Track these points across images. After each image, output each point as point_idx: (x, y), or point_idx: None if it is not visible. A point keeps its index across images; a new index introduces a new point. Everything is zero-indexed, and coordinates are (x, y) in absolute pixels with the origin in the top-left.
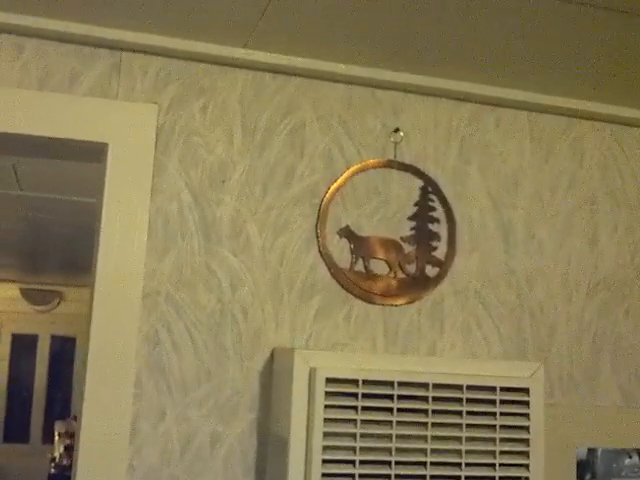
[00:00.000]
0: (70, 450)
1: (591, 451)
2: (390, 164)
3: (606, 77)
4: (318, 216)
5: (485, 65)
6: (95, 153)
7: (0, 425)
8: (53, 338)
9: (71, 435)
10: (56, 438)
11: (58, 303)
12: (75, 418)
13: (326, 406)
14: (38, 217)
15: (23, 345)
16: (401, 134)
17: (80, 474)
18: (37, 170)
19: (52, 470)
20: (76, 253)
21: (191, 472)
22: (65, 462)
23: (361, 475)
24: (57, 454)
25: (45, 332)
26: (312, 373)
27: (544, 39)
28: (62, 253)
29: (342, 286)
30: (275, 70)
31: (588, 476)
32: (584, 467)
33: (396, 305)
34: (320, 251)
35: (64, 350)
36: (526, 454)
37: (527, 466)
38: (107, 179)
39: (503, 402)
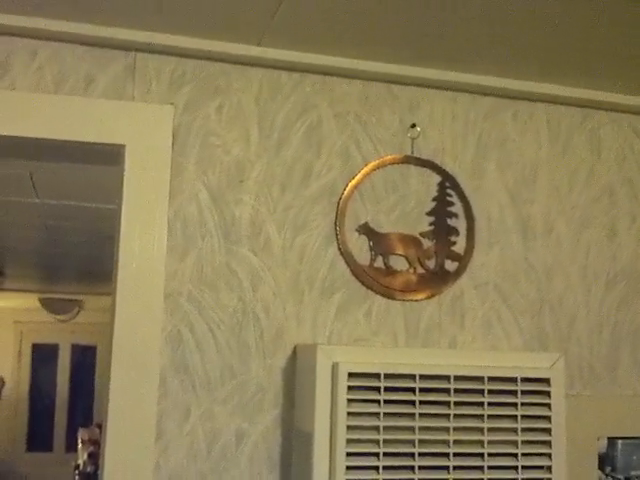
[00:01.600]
0: (94, 457)
1: (611, 444)
2: (408, 160)
3: (623, 67)
4: (337, 213)
5: (501, 58)
6: (112, 155)
7: (23, 434)
8: (74, 347)
9: (94, 442)
10: (80, 445)
11: (78, 312)
12: (98, 425)
13: (349, 400)
14: (55, 225)
15: (44, 355)
16: (418, 129)
17: (107, 473)
18: (53, 177)
19: (76, 477)
20: (94, 261)
21: (217, 469)
22: (89, 469)
23: (385, 467)
24: (81, 461)
25: (65, 341)
26: (335, 368)
27: (559, 31)
28: (80, 261)
29: (362, 283)
30: (290, 68)
31: (608, 469)
32: (604, 460)
33: (416, 300)
34: (339, 248)
35: (85, 358)
36: (548, 444)
37: (549, 455)
38: (125, 181)
39: (524, 393)
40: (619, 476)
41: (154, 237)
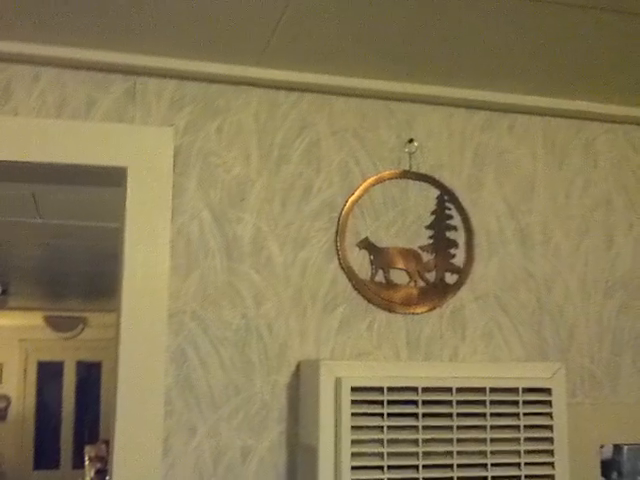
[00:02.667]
0: (101, 474)
1: (617, 450)
2: (406, 175)
3: (616, 79)
4: (337, 229)
5: (496, 72)
6: (114, 177)
7: (30, 452)
8: (79, 364)
9: (101, 459)
10: (86, 462)
11: (82, 329)
12: (104, 442)
13: (353, 414)
14: (58, 244)
15: (49, 372)
16: (415, 144)
17: None
18: (56, 197)
19: None
20: (98, 278)
21: None
22: None
23: (390, 479)
24: (88, 478)
25: (70, 358)
26: (338, 383)
27: (553, 44)
28: (84, 279)
29: (364, 297)
30: (288, 87)
31: (614, 474)
32: (610, 465)
33: (417, 313)
34: (340, 264)
35: (90, 375)
36: (551, 452)
37: (552, 464)
38: (127, 202)
39: (526, 403)
40: None
41: (157, 257)
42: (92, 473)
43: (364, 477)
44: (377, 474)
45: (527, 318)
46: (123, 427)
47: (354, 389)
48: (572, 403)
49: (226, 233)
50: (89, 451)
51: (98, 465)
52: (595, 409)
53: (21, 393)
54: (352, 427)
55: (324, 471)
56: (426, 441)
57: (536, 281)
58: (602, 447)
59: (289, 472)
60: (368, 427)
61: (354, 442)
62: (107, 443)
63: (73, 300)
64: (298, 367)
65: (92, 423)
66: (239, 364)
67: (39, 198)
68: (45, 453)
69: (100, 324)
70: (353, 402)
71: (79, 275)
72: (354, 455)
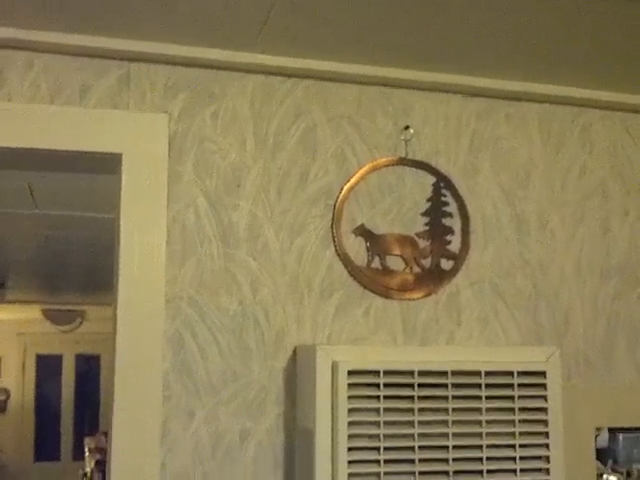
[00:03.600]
0: (101, 465)
1: (613, 438)
2: (402, 161)
3: (612, 65)
4: (333, 216)
5: (493, 60)
6: (109, 164)
7: (30, 445)
8: (77, 357)
9: (101, 450)
10: (86, 454)
11: (80, 322)
12: (104, 433)
13: (349, 397)
14: (56, 235)
15: (48, 365)
16: (411, 131)
17: (114, 475)
18: (52, 188)
19: None
20: (96, 271)
21: (222, 469)
22: (96, 477)
23: (386, 461)
24: (88, 469)
25: (69, 352)
26: (334, 367)
27: (549, 31)
28: (82, 272)
29: (360, 283)
30: (284, 73)
31: (610, 462)
32: (606, 453)
33: (413, 299)
34: (337, 250)
35: (89, 368)
36: (545, 434)
37: (547, 446)
38: (123, 189)
39: (521, 386)
40: (621, 469)
41: (153, 244)
42: (92, 464)
43: (360, 458)
44: (373, 455)
45: (523, 303)
46: (121, 412)
47: (351, 372)
48: (567, 386)
49: (222, 220)
50: (89, 442)
51: (98, 456)
52: (589, 392)
53: (20, 386)
54: (349, 410)
55: (321, 453)
56: (422, 423)
57: (532, 267)
58: (597, 435)
59: (287, 454)
60: (364, 410)
61: (350, 424)
62: (106, 434)
63: (71, 293)
64: (295, 352)
65: (91, 415)
66: (236, 350)
67: (35, 189)
68: (45, 445)
69: (98, 317)
70: (350, 385)
71: (77, 268)
72: (350, 437)
